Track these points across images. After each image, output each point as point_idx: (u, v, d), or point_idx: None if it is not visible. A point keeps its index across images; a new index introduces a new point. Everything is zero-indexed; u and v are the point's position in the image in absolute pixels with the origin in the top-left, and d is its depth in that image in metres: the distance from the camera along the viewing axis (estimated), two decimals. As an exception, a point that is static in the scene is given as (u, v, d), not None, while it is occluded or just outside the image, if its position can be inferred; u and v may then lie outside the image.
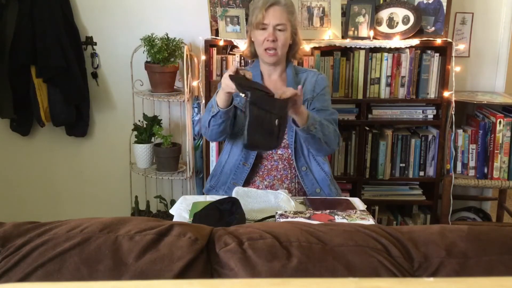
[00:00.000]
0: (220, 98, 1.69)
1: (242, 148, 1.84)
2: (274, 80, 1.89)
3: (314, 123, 1.71)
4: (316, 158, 1.87)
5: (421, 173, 2.54)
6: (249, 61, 2.42)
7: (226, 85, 1.59)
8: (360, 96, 2.45)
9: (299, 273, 0.83)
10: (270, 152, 1.86)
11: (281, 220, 1.41)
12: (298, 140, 1.85)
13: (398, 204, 2.67)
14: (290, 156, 1.86)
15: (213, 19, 2.44)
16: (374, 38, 2.41)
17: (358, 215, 1.47)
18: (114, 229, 0.89)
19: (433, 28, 2.43)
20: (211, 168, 2.52)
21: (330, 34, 2.42)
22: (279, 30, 1.79)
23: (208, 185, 1.96)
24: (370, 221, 1.42)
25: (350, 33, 2.42)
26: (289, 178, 1.87)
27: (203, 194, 2.60)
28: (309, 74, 1.91)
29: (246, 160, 1.85)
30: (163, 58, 2.41)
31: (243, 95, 1.49)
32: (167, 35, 2.45)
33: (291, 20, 1.83)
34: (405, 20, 2.40)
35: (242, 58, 2.42)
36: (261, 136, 1.48)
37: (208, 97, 2.43)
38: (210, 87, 2.43)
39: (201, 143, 2.57)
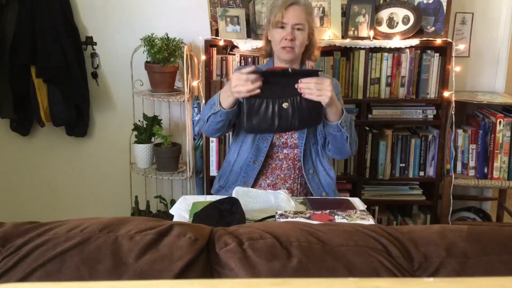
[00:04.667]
0: (225, 98, 1.69)
1: (252, 146, 1.85)
2: None
3: (347, 120, 1.74)
4: (323, 162, 1.88)
5: (421, 173, 2.54)
6: (249, 61, 2.42)
7: (238, 92, 1.61)
8: (360, 96, 2.45)
9: (299, 273, 0.83)
10: (276, 150, 1.87)
11: (281, 220, 1.41)
12: (308, 142, 1.85)
13: (398, 204, 2.67)
14: (295, 157, 1.86)
15: (213, 19, 2.44)
16: (374, 38, 2.41)
17: (358, 215, 1.47)
18: (114, 229, 0.89)
19: (433, 28, 2.43)
20: (211, 168, 2.53)
21: (330, 34, 2.42)
22: (298, 29, 1.79)
23: (217, 185, 1.95)
24: (370, 221, 1.42)
25: (350, 33, 2.42)
26: (292, 178, 1.87)
27: (203, 194, 2.61)
28: None
29: (256, 158, 1.85)
30: (163, 58, 2.41)
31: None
32: (167, 35, 2.45)
33: (309, 21, 1.83)
34: (405, 20, 2.40)
35: (242, 58, 2.42)
36: (259, 122, 1.65)
37: (208, 97, 2.42)
38: (210, 87, 2.43)
39: (201, 143, 2.57)
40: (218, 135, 1.87)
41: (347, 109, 2.49)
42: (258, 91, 1.60)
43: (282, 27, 1.79)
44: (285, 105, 1.63)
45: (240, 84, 1.60)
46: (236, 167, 1.88)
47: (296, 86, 1.62)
